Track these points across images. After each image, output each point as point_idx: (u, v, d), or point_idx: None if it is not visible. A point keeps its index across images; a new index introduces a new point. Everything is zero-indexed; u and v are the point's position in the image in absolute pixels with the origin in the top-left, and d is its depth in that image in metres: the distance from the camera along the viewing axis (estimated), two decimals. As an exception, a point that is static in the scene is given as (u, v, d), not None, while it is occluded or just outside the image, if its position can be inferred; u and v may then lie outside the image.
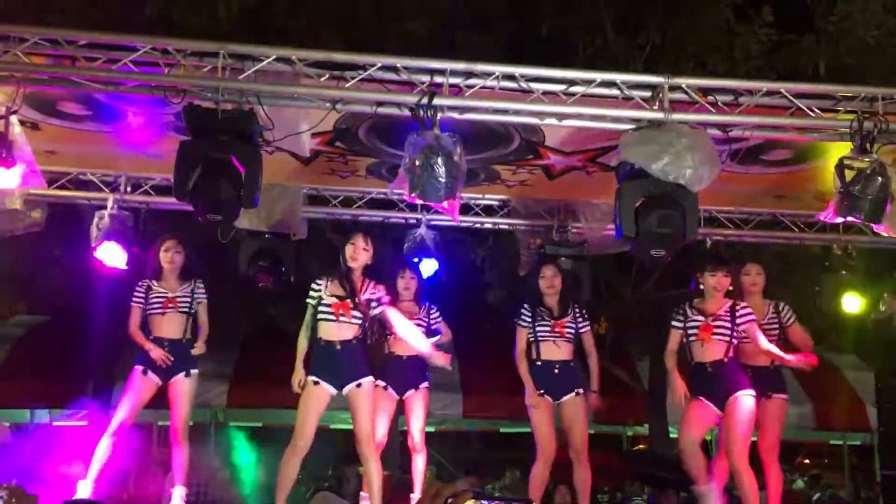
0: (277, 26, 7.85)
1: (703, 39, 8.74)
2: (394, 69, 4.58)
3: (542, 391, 5.78)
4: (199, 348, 5.88)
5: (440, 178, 4.41)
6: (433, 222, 6.86)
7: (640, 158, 4.51)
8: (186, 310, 5.92)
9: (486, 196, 6.91)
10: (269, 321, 10.75)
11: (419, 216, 6.86)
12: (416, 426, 6.00)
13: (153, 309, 5.87)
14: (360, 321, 5.18)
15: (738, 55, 8.42)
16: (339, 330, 5.14)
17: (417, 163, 4.40)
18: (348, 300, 5.13)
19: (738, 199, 6.62)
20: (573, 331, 5.89)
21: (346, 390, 5.13)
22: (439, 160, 4.39)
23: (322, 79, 4.58)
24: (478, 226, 7.34)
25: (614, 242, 6.06)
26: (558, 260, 6.55)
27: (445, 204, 4.58)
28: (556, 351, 5.84)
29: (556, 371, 5.81)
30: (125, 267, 6.49)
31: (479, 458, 14.27)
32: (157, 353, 5.72)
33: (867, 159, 4.59)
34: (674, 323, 5.69)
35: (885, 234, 4.88)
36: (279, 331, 10.76)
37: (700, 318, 5.55)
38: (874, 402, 9.48)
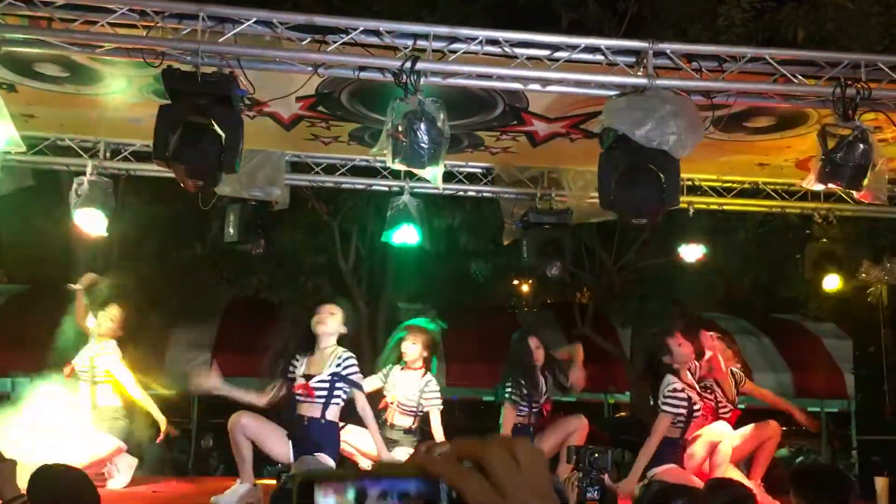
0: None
1: (684, 8, 8.68)
2: (376, 33, 4.50)
3: None
4: None
5: (423, 145, 4.37)
6: (417, 190, 6.82)
7: (624, 124, 4.48)
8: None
9: (470, 164, 6.87)
10: (252, 290, 10.73)
11: (402, 184, 6.82)
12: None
13: None
14: None
15: (720, 23, 8.37)
16: None
17: (400, 128, 4.35)
18: None
19: (721, 167, 6.62)
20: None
21: None
22: (423, 126, 4.35)
23: (303, 42, 4.51)
24: (461, 193, 7.30)
25: (598, 210, 6.05)
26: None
27: (428, 171, 4.54)
28: None
29: None
30: (105, 234, 6.44)
31: (461, 427, 14.36)
32: None
33: (850, 126, 4.59)
34: (669, 409, 5.45)
35: (865, 202, 4.89)
36: (261, 300, 10.76)
37: (698, 398, 5.59)
38: (852, 369, 9.60)
